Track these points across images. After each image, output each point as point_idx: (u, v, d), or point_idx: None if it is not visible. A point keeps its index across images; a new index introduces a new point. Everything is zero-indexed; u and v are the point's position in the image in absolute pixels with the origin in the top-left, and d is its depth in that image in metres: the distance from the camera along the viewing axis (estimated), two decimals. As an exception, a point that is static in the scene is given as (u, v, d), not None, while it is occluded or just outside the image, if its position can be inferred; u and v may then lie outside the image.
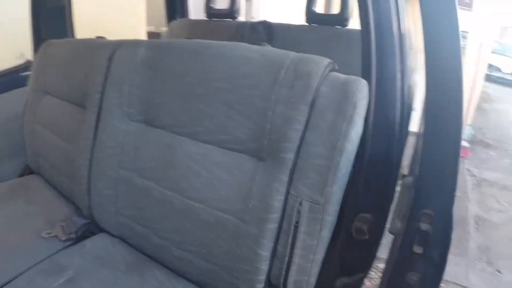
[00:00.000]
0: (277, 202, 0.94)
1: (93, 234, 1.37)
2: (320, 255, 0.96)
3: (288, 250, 0.94)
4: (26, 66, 2.14)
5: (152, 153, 1.18)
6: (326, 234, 0.94)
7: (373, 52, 0.93)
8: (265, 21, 2.33)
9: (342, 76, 0.92)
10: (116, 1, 3.76)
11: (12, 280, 1.14)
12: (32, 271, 1.17)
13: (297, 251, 0.94)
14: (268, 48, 1.05)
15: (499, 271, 3.05)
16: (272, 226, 0.95)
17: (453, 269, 2.95)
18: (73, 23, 2.24)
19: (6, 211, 1.48)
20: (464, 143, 5.27)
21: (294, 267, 0.95)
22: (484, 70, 5.42)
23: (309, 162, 0.91)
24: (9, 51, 2.58)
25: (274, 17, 4.43)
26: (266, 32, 2.25)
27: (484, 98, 9.73)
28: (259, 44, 1.10)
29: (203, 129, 1.08)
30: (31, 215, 1.45)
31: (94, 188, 1.32)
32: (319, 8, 2.81)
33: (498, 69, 12.55)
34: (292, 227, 0.93)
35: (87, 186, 1.35)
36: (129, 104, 1.23)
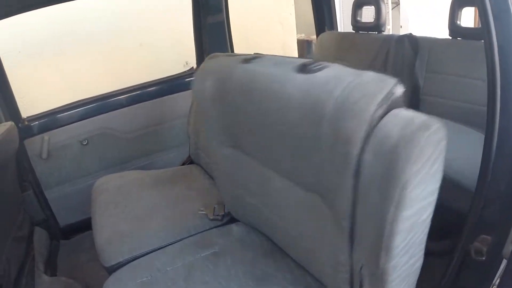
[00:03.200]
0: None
1: (238, 220, 1.55)
2: None
3: None
4: (190, 72, 2.53)
5: (250, 178, 1.28)
6: None
7: (496, 54, 0.93)
8: (411, 34, 2.35)
9: (391, 135, 0.73)
10: (267, 13, 4.03)
11: (168, 245, 1.43)
12: (186, 241, 1.44)
13: None
14: (313, 88, 0.89)
15: None
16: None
17: None
18: (232, 37, 2.53)
19: (170, 192, 1.77)
20: None
21: None
22: None
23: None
24: (176, 60, 3.03)
25: (422, 25, 4.34)
26: (411, 46, 2.26)
27: None
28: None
29: (281, 167, 1.11)
30: (190, 198, 1.70)
31: (227, 189, 1.50)
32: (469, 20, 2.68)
33: None
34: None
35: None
36: (218, 133, 1.33)
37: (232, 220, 1.54)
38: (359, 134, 0.76)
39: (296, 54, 4.44)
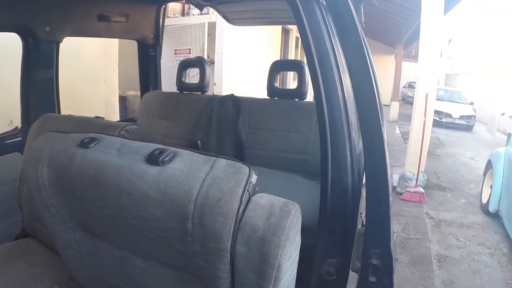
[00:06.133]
0: None
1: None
2: None
3: None
4: (16, 133, 2.29)
5: (106, 260, 1.14)
6: None
7: (327, 121, 1.17)
8: (233, 95, 2.61)
9: (259, 227, 0.80)
10: (92, 70, 4.01)
11: None
12: None
13: None
14: (168, 187, 0.86)
15: (466, 304, 3.25)
16: None
17: (422, 307, 3.13)
18: (59, 96, 2.39)
19: (11, 273, 1.55)
20: (420, 189, 5.63)
21: None
22: (431, 117, 5.79)
23: None
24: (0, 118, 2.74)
25: (234, 83, 4.77)
26: (234, 105, 2.53)
27: (437, 143, 10.29)
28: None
29: (141, 251, 1.03)
30: (37, 276, 1.54)
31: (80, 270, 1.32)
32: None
33: (449, 115, 13.30)
34: None
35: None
36: (62, 220, 1.14)
37: None
38: (228, 230, 0.80)
39: (117, 112, 4.42)
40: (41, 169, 1.09)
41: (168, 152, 0.91)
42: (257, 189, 0.86)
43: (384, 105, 1.29)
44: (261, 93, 2.77)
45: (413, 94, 6.37)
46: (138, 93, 3.28)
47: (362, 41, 1.14)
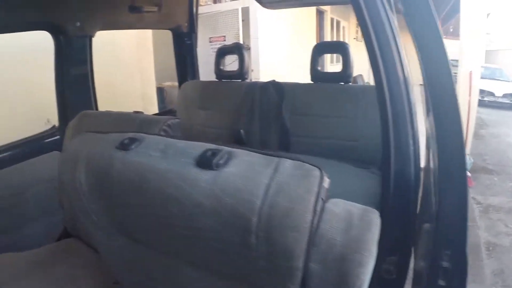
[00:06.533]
0: None
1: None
2: None
3: None
4: (53, 131, 2.27)
5: (152, 267, 1.06)
6: None
7: (388, 106, 1.05)
8: (274, 81, 2.51)
9: (336, 242, 0.70)
10: (127, 63, 3.97)
11: None
12: None
13: None
14: (225, 196, 0.75)
15: (516, 294, 3.11)
16: None
17: (471, 298, 3.03)
18: (95, 91, 2.36)
19: (54, 275, 1.51)
20: (466, 173, 5.40)
21: None
22: (476, 96, 5.56)
23: None
24: (35, 117, 2.74)
25: (271, 69, 4.68)
26: (276, 91, 2.42)
27: (480, 124, 9.92)
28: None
29: (192, 260, 0.92)
30: (80, 278, 1.49)
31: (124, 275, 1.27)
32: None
33: (491, 93, 12.85)
34: None
35: None
36: (104, 226, 1.06)
37: None
38: (301, 246, 0.69)
39: (155, 104, 4.40)
40: (79, 174, 1.00)
41: (223, 154, 0.80)
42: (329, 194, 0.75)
43: (421, 84, 1.16)
44: (300, 78, 2.65)
45: (453, 73, 6.11)
46: (175, 83, 3.23)
47: (433, 12, 1.01)
